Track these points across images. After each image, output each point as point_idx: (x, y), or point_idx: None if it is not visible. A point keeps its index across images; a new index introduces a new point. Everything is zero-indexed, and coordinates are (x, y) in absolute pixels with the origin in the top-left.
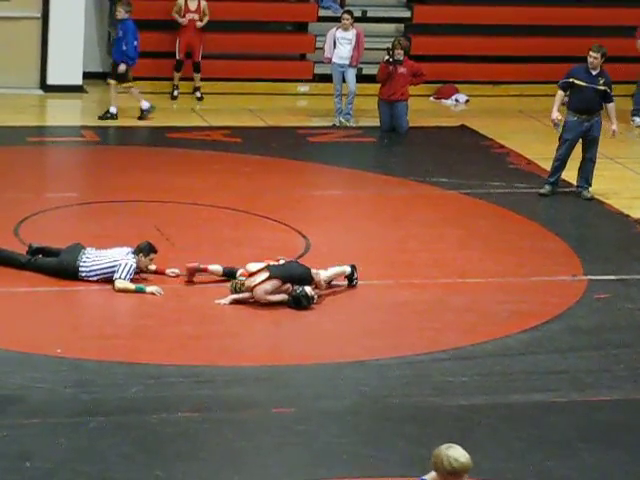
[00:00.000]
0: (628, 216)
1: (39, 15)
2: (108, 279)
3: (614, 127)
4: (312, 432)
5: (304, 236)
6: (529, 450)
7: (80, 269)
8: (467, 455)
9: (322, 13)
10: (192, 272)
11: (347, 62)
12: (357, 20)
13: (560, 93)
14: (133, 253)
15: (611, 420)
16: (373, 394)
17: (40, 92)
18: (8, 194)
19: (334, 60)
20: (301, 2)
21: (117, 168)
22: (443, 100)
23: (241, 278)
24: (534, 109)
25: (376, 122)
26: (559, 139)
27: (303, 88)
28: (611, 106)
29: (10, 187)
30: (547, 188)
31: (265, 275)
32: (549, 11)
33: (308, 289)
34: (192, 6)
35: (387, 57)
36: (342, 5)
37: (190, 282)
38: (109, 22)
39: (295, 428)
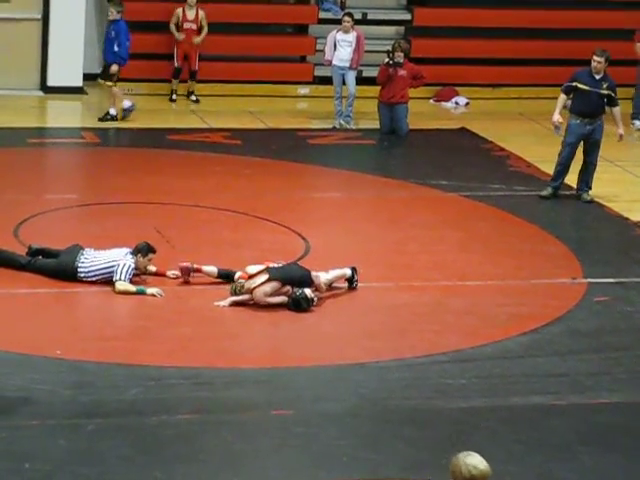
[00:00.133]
0: (628, 219)
1: (39, 16)
2: (107, 280)
3: (620, 131)
4: (311, 434)
5: (304, 238)
6: (529, 453)
7: (79, 270)
8: (485, 462)
9: (322, 15)
10: (185, 272)
11: (347, 64)
12: (357, 22)
13: (562, 96)
14: (131, 254)
15: (611, 423)
16: (373, 396)
17: (40, 93)
18: (8, 195)
19: (334, 62)
20: (301, 4)
21: (117, 170)
22: (443, 103)
23: (241, 280)
24: (534, 112)
25: (376, 124)
26: (562, 143)
27: (303, 90)
28: (617, 110)
29: (10, 188)
30: (548, 190)
31: (264, 277)
32: (549, 14)
33: (308, 291)
34: (190, 15)
35: (387, 59)
36: (342, 7)
37: (185, 282)
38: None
39: (294, 430)
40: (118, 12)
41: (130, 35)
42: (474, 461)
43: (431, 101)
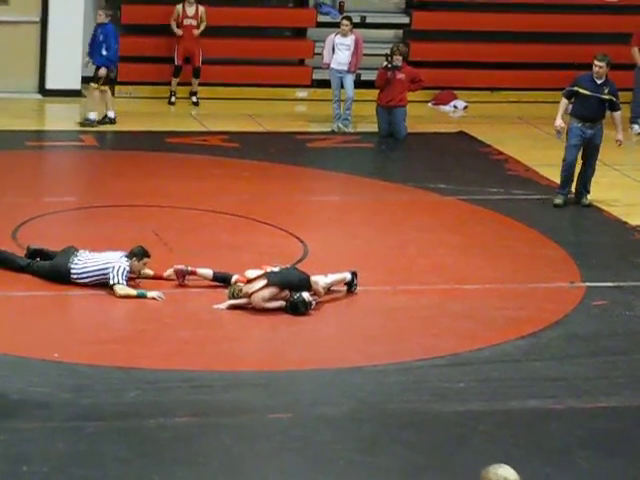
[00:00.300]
0: (626, 223)
1: (38, 19)
2: (100, 283)
3: (619, 136)
4: (310, 438)
5: (302, 241)
6: (527, 457)
7: (72, 271)
8: (516, 474)
9: (321, 19)
10: (179, 274)
11: (345, 68)
12: (356, 26)
13: (564, 101)
14: (126, 257)
15: (609, 427)
16: (371, 400)
17: (39, 96)
18: (7, 198)
19: (332, 66)
20: (300, 8)
21: (115, 173)
22: (441, 106)
23: (239, 284)
24: (533, 115)
25: (374, 128)
26: (565, 147)
27: (302, 93)
28: (618, 114)
29: (9, 191)
30: (561, 198)
31: (263, 282)
32: (548, 18)
33: (306, 295)
34: (190, 12)
35: (385, 63)
36: (341, 11)
37: (181, 285)
38: None
39: (293, 434)
40: (107, 16)
41: (119, 38)
42: (506, 473)
43: (429, 104)
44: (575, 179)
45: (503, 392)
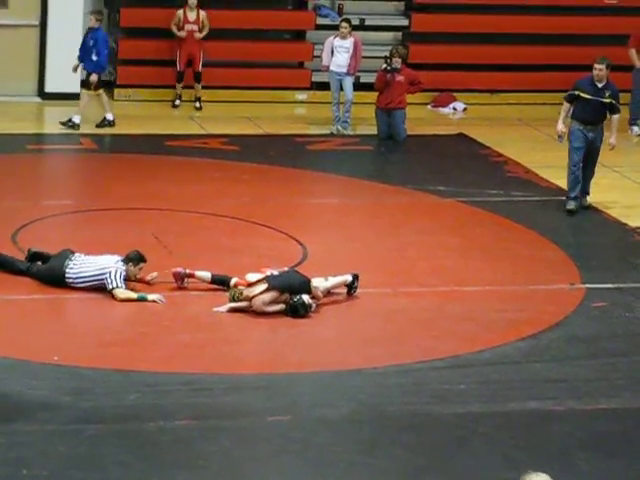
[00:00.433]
0: (626, 225)
1: (37, 23)
2: (95, 287)
3: (611, 140)
4: (309, 440)
5: (302, 244)
6: (527, 458)
7: (66, 275)
8: None
9: (320, 21)
10: (177, 277)
11: (345, 70)
12: (355, 28)
13: (566, 105)
14: (122, 262)
15: (609, 429)
16: (371, 402)
17: (38, 100)
18: (6, 201)
19: (332, 68)
20: (299, 10)
21: (115, 176)
22: (441, 108)
23: (240, 287)
24: (532, 117)
25: (374, 130)
26: (569, 148)
27: (301, 96)
28: (616, 118)
29: (8, 194)
30: (573, 204)
31: (264, 286)
32: (547, 20)
33: (306, 298)
34: (191, 17)
35: (385, 65)
36: (340, 13)
37: (179, 288)
38: (107, 30)
39: (292, 436)
40: (97, 20)
41: (109, 44)
42: None
43: (429, 107)
44: (581, 182)
45: (503, 394)
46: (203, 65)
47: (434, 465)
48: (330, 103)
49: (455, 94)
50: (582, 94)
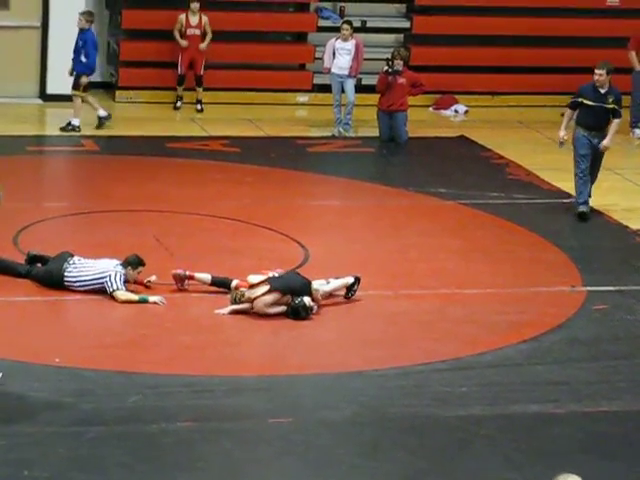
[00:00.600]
0: (627, 227)
1: (39, 25)
2: (93, 290)
3: (605, 141)
4: (311, 442)
5: (303, 246)
6: (528, 461)
7: (65, 277)
8: None
9: (321, 23)
10: (177, 279)
11: (346, 72)
12: (356, 30)
13: (569, 112)
14: (121, 266)
15: (610, 431)
16: (372, 404)
17: (39, 101)
18: (7, 203)
19: (333, 70)
20: (301, 12)
21: (116, 178)
22: (442, 110)
23: (242, 289)
24: (533, 120)
25: (375, 132)
26: (574, 156)
27: (302, 98)
28: (617, 122)
29: (10, 196)
30: (584, 208)
31: (266, 288)
32: (548, 22)
33: (307, 300)
34: (193, 21)
35: (386, 67)
36: (341, 15)
37: (179, 290)
38: (108, 32)
39: (294, 438)
40: (87, 21)
41: (98, 45)
42: None
43: (430, 109)
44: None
45: (504, 396)
46: (205, 67)
47: (435, 467)
48: (331, 105)
49: (456, 96)
50: (585, 101)
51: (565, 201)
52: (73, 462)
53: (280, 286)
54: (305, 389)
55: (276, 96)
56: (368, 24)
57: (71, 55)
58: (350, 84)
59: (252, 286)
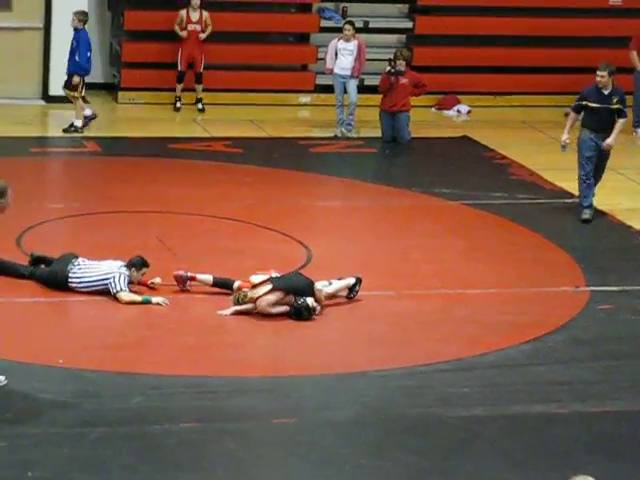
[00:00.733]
0: (630, 227)
1: (41, 26)
2: (97, 292)
3: (608, 140)
4: (314, 443)
5: (306, 247)
6: (531, 461)
7: (69, 279)
8: None
9: (324, 24)
10: (179, 280)
11: (348, 73)
12: (359, 31)
13: (573, 115)
14: (125, 267)
15: (613, 431)
16: (375, 405)
17: (42, 103)
18: (10, 204)
19: (335, 71)
20: (303, 13)
21: (119, 179)
22: (445, 111)
23: (244, 290)
24: (536, 120)
25: (378, 133)
26: (579, 158)
27: (305, 99)
28: (621, 122)
29: (13, 197)
30: (588, 213)
31: (268, 287)
32: (551, 22)
33: (310, 300)
34: (194, 17)
35: (389, 68)
36: (344, 16)
37: (182, 291)
38: (111, 33)
39: (297, 439)
40: (80, 21)
41: (91, 45)
42: None
43: (433, 109)
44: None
45: (507, 397)
46: (208, 68)
47: (438, 468)
48: (334, 106)
49: (459, 96)
50: (590, 103)
51: (568, 201)
52: (76, 463)
53: (283, 285)
54: (308, 389)
55: (278, 97)
56: (370, 24)
57: None
58: (352, 85)
59: (254, 286)
